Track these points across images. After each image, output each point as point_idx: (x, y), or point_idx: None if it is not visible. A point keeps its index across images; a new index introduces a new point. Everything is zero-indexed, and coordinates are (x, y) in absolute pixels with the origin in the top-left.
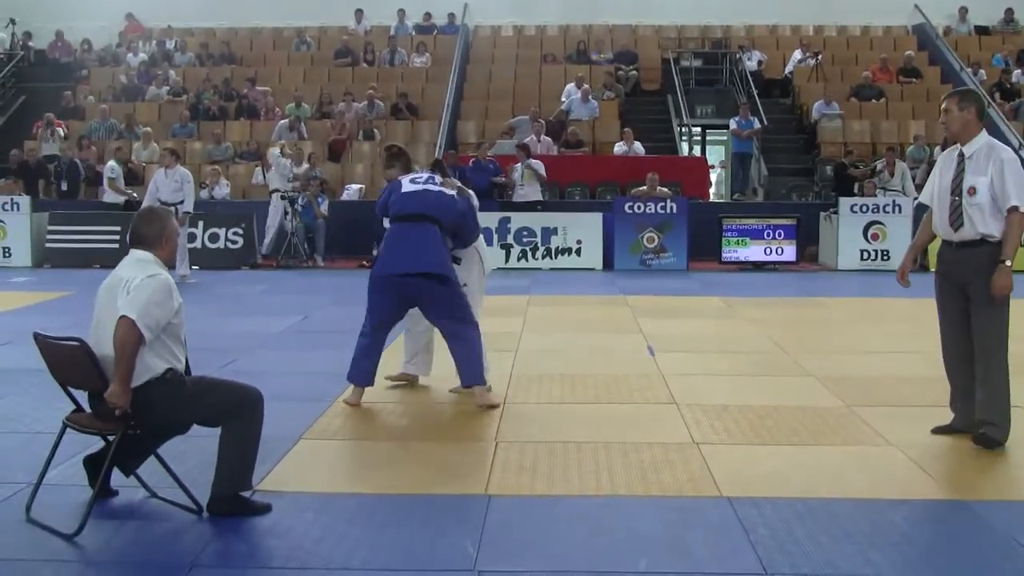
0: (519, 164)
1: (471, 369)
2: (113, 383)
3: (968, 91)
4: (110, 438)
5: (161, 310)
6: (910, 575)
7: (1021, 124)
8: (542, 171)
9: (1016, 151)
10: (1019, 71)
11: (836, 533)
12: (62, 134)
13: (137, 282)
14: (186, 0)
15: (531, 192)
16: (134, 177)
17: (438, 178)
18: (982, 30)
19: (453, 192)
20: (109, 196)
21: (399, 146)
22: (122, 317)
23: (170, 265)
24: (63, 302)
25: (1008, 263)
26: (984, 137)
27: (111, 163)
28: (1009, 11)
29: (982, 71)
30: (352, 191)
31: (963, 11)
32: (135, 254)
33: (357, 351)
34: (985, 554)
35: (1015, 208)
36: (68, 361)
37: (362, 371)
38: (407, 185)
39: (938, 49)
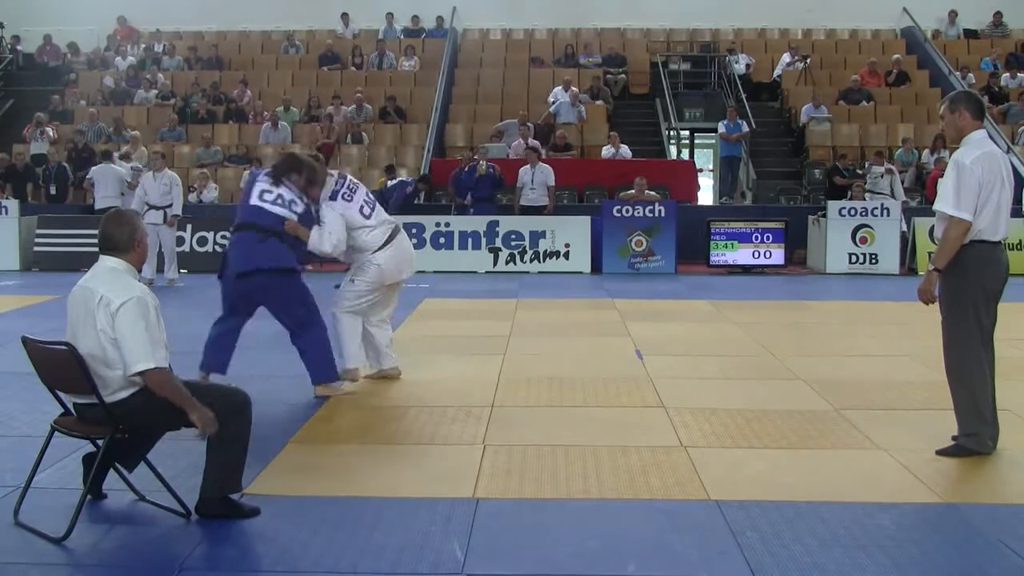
0: (528, 166)
1: (317, 368)
2: (190, 414)
3: (957, 93)
4: (99, 442)
5: (156, 329)
6: None
7: (1010, 127)
8: (551, 180)
9: (1005, 154)
10: (1007, 75)
11: (824, 537)
12: (52, 135)
13: (121, 314)
14: (174, 3)
15: (540, 196)
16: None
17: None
18: (971, 33)
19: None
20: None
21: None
22: (147, 373)
23: (140, 268)
24: (51, 305)
25: (932, 269)
26: (975, 136)
27: (130, 165)
28: (998, 14)
29: (971, 74)
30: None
31: (952, 14)
32: (106, 262)
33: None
34: (973, 557)
35: (948, 215)
36: (56, 365)
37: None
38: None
39: (927, 53)
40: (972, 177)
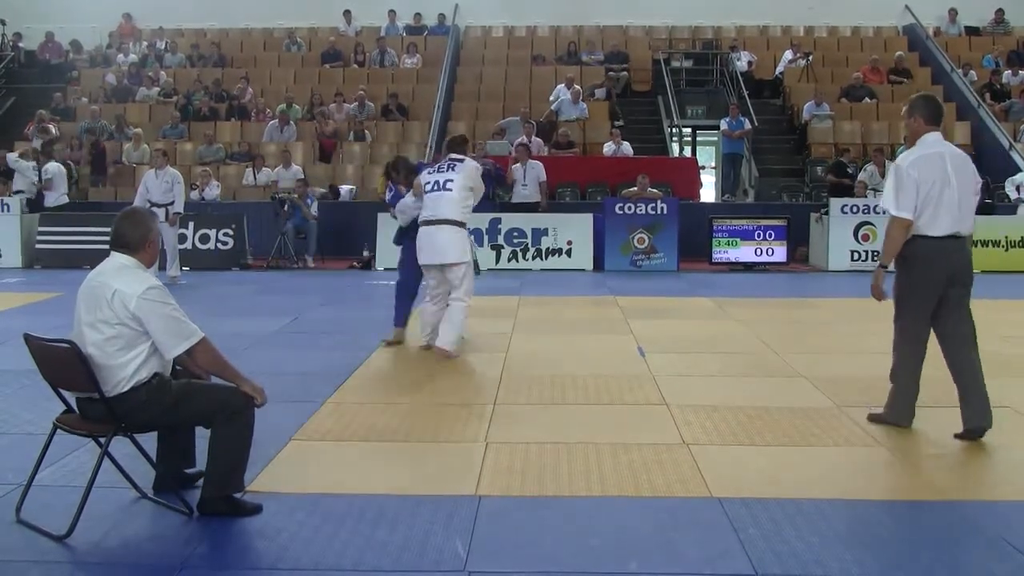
0: (518, 164)
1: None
2: (241, 386)
3: (914, 99)
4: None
5: (180, 311)
6: (900, 575)
7: (1012, 124)
8: (543, 176)
9: (1007, 151)
10: (1009, 72)
11: (826, 533)
12: (55, 132)
13: (146, 304)
14: (177, 1)
15: (533, 193)
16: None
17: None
18: (972, 31)
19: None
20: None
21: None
22: (195, 348)
23: (149, 267)
24: (54, 303)
25: (879, 265)
26: (927, 138)
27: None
28: (999, 12)
29: (972, 72)
30: (345, 191)
31: (953, 12)
32: (116, 258)
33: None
34: (974, 554)
35: (890, 214)
36: (59, 363)
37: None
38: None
39: (928, 50)
40: (908, 179)
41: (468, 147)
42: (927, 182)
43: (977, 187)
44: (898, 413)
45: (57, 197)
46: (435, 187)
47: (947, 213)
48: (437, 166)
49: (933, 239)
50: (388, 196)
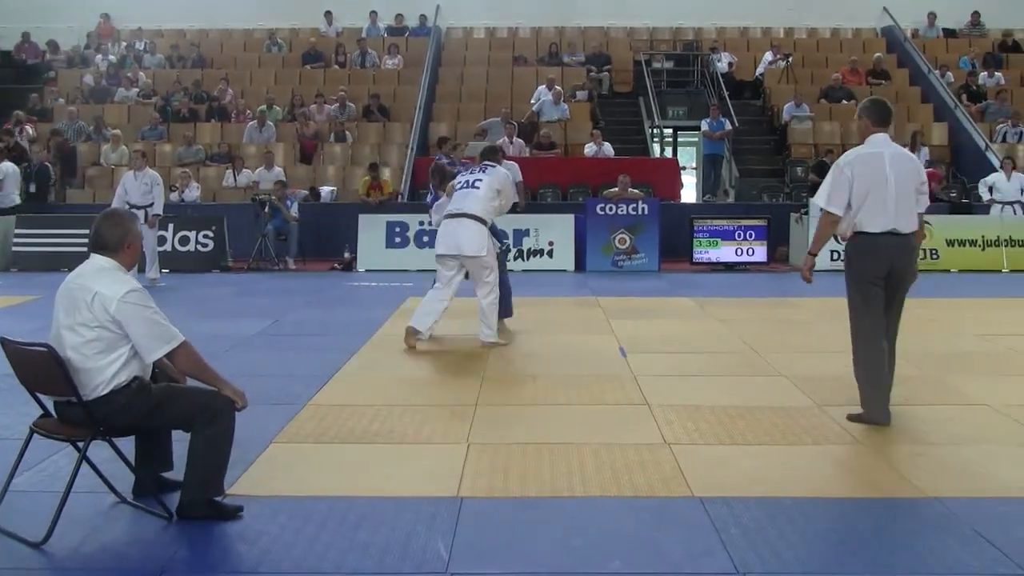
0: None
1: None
2: (222, 389)
3: (864, 103)
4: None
5: (161, 314)
6: (880, 572)
7: (988, 125)
8: (518, 177)
9: (983, 152)
10: (985, 73)
11: (807, 531)
12: (31, 133)
13: (126, 307)
14: (156, 1)
15: None
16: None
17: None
18: (949, 33)
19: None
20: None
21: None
22: (176, 351)
23: (129, 270)
24: (31, 306)
25: (808, 253)
26: (873, 139)
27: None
28: (975, 14)
29: (949, 73)
30: (326, 193)
31: (931, 16)
32: (96, 261)
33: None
34: (952, 550)
35: (821, 208)
36: (36, 366)
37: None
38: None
39: (906, 51)
40: (842, 176)
41: (500, 156)
42: (863, 180)
43: (921, 186)
44: (874, 411)
45: (5, 197)
46: (464, 185)
47: (882, 210)
48: (471, 169)
49: (871, 235)
50: (429, 198)
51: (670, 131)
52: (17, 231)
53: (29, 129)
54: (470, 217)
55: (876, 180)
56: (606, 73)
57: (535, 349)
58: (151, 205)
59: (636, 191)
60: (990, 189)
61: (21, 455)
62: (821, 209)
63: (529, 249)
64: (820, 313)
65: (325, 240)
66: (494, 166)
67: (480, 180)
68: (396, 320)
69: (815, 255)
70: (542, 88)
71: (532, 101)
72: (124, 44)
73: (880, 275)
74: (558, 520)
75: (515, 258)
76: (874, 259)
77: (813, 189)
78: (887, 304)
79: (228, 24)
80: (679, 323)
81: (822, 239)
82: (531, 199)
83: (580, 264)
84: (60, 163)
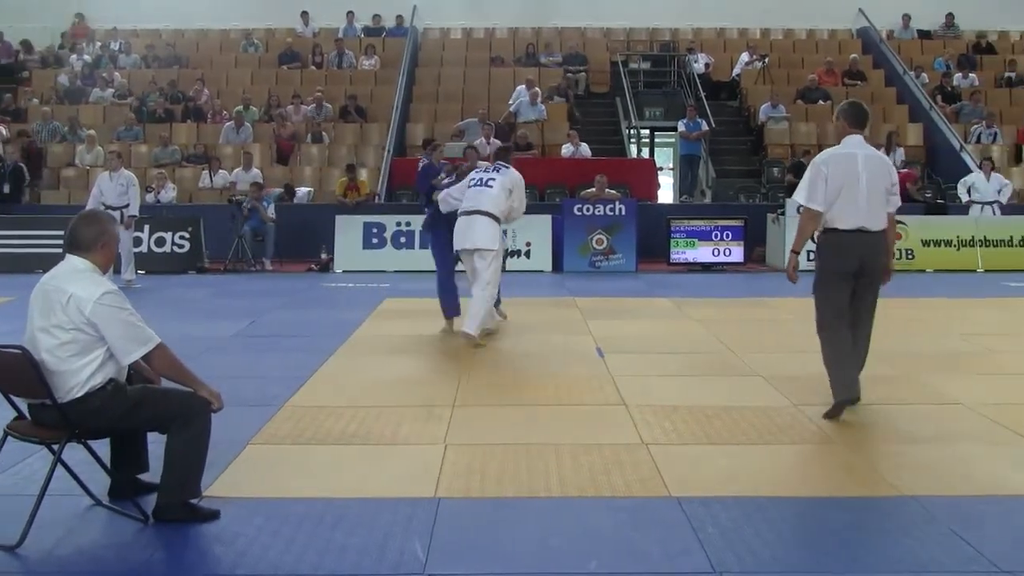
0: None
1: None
2: (198, 390)
3: (841, 106)
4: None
5: (137, 316)
6: (857, 570)
7: (962, 126)
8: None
9: (958, 152)
10: (960, 74)
11: (783, 531)
12: (5, 134)
13: (101, 309)
14: (131, 1)
15: None
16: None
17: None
18: (924, 34)
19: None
20: None
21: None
22: (152, 353)
23: (105, 270)
24: (5, 308)
25: (791, 251)
26: (848, 140)
27: None
28: (950, 16)
29: (924, 74)
30: (303, 193)
31: (906, 18)
32: (71, 261)
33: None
34: (929, 548)
35: (800, 205)
36: (9, 369)
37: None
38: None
39: (882, 53)
40: (819, 174)
41: (511, 157)
42: (837, 179)
43: (892, 187)
44: (840, 390)
45: None
46: (478, 183)
47: (853, 209)
48: (485, 168)
49: (842, 232)
50: (420, 165)
51: (647, 132)
52: None
53: (3, 130)
54: (484, 214)
55: (849, 179)
56: (583, 73)
57: (513, 350)
58: (127, 206)
59: (613, 192)
60: (969, 190)
61: None
62: (802, 206)
63: (506, 250)
64: (797, 313)
65: (302, 241)
66: (507, 167)
67: (493, 179)
68: (374, 321)
69: (798, 253)
70: (521, 88)
71: (510, 101)
72: (99, 44)
73: (850, 270)
74: (535, 520)
75: None
76: (844, 255)
77: (790, 190)
78: (860, 300)
79: (204, 24)
80: (656, 323)
81: (804, 236)
82: None
83: (557, 265)
84: (27, 164)
